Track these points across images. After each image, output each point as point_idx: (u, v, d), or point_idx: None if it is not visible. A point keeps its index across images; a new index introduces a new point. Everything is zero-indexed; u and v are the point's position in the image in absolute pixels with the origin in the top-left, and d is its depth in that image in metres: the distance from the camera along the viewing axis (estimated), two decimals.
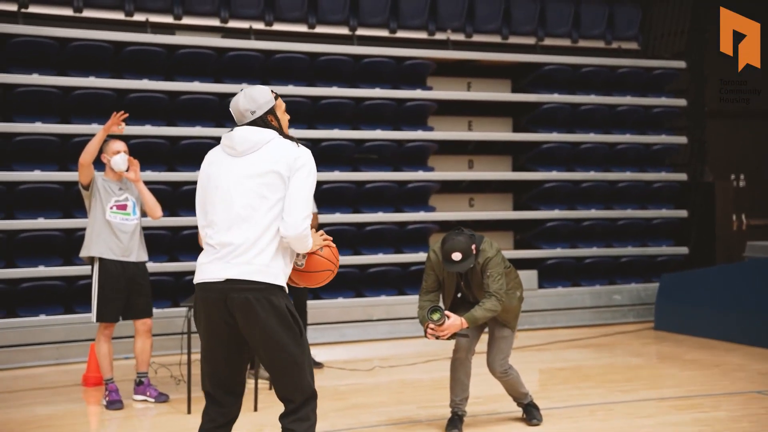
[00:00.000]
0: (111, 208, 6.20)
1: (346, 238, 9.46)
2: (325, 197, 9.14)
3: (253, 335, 3.59)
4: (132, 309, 6.32)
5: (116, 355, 7.31)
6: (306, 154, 3.67)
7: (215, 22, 9.55)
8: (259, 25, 9.65)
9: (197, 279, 3.67)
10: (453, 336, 5.23)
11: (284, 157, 3.62)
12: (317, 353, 7.95)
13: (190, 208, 8.42)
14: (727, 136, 12.79)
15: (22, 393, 6.91)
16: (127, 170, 6.29)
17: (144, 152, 8.00)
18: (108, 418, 6.16)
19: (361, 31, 10.14)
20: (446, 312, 5.17)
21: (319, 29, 9.95)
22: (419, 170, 9.94)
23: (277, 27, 9.75)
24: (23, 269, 8.05)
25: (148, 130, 8.63)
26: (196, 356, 6.90)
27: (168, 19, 9.34)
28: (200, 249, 7.09)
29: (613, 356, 8.41)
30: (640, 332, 9.72)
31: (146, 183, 6.60)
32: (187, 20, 9.42)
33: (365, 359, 8.18)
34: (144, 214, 6.42)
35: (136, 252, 6.29)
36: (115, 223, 6.19)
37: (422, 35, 10.45)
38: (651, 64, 11.35)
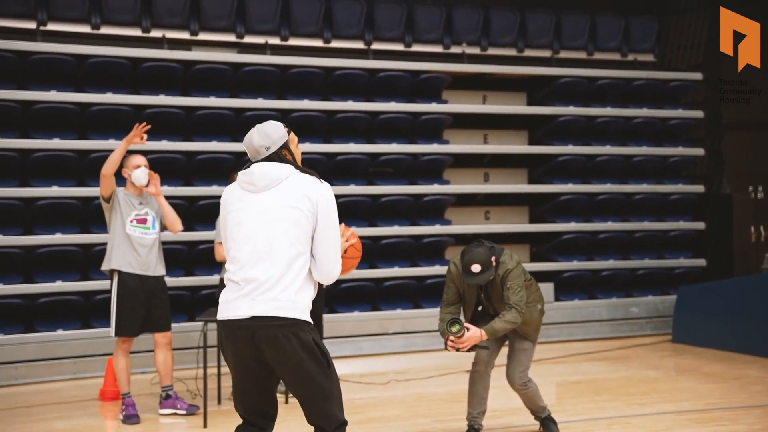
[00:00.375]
0: (131, 221, 6.25)
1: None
2: (341, 211, 8.96)
3: (282, 369, 3.61)
4: (151, 322, 6.36)
5: (133, 369, 7.34)
6: (327, 190, 3.68)
7: (231, 38, 9.62)
8: (274, 40, 9.72)
9: (222, 316, 3.66)
10: (473, 348, 5.22)
11: (306, 192, 3.62)
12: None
13: (206, 223, 8.47)
14: (745, 148, 12.72)
15: (40, 407, 6.95)
16: (147, 184, 6.34)
17: (161, 167, 8.03)
18: None
19: (376, 45, 10.19)
20: (466, 324, 5.17)
21: (335, 44, 10.00)
22: (435, 183, 9.95)
23: (293, 42, 9.81)
24: (41, 284, 8.11)
25: (165, 145, 8.70)
26: (212, 370, 6.96)
27: (184, 35, 9.42)
28: (216, 263, 7.18)
29: (630, 369, 8.36)
30: (657, 345, 9.66)
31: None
32: (203, 36, 9.50)
33: (381, 373, 8.17)
34: (164, 228, 6.46)
35: (154, 266, 6.33)
36: (135, 237, 6.24)
37: (437, 49, 10.48)
38: (667, 76, 11.32)
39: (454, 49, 10.49)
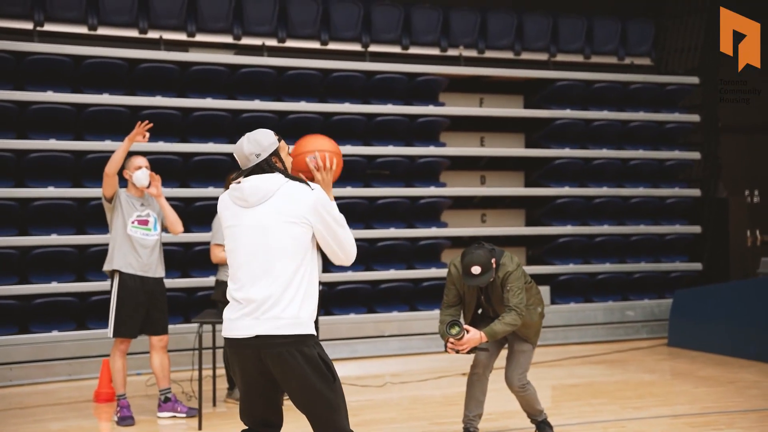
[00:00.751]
0: (132, 222, 6.25)
1: (358, 254, 9.40)
2: None
3: (288, 385, 3.62)
4: (149, 324, 6.35)
5: (128, 371, 7.31)
6: (318, 192, 3.65)
7: (228, 39, 9.61)
8: (271, 42, 9.71)
9: (226, 334, 3.66)
10: (472, 350, 5.22)
11: (298, 202, 3.60)
12: None
13: (202, 224, 8.45)
14: (741, 152, 12.74)
15: (34, 409, 6.93)
16: (148, 186, 6.33)
17: (157, 168, 7.97)
18: None
19: (373, 48, 10.18)
20: (465, 326, 5.17)
21: (332, 45, 10.00)
22: (431, 186, 9.95)
23: (290, 43, 9.80)
24: (36, 285, 8.09)
25: (161, 146, 8.69)
26: (208, 372, 6.95)
27: (181, 36, 9.41)
28: (212, 265, 7.16)
29: (626, 373, 8.36)
30: (653, 348, 9.66)
31: None
32: (200, 37, 9.49)
33: (377, 375, 8.17)
34: (165, 229, 6.46)
35: (155, 267, 6.33)
36: (136, 238, 6.24)
37: (434, 51, 10.48)
38: (664, 80, 11.33)
39: (451, 52, 10.49)
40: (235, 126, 8.98)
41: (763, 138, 13.01)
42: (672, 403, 6.94)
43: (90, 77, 8.71)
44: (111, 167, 6.17)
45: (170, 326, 7.54)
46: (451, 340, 5.14)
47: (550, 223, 10.51)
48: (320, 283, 7.73)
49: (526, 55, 10.86)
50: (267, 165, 3.68)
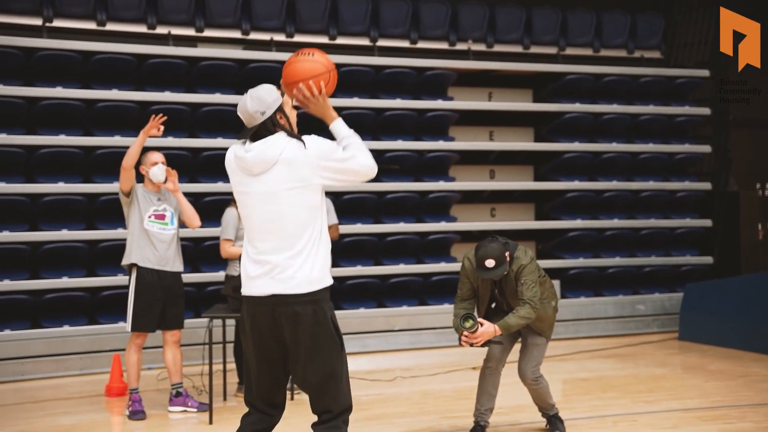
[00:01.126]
0: (149, 217, 6.28)
1: (367, 249, 9.47)
2: (347, 208, 9.15)
3: (297, 346, 3.64)
4: (165, 319, 6.36)
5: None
6: (312, 140, 3.67)
7: (236, 34, 9.61)
8: (280, 37, 9.70)
9: (245, 292, 3.73)
10: (486, 343, 5.21)
11: (302, 165, 3.63)
12: None
13: (212, 219, 8.45)
14: (752, 145, 12.67)
15: (46, 403, 6.96)
16: (165, 181, 6.35)
17: (166, 164, 8.05)
18: (131, 428, 6.18)
19: (381, 42, 10.17)
20: (479, 319, 5.16)
21: (340, 40, 9.98)
22: (440, 180, 9.93)
23: (298, 38, 9.79)
24: (47, 280, 8.12)
25: (170, 141, 8.69)
26: (218, 366, 6.96)
27: (190, 32, 9.41)
28: (222, 260, 7.16)
29: (636, 367, 8.33)
30: (664, 342, 9.64)
31: None
32: (208, 32, 9.49)
33: (387, 369, 8.16)
34: (182, 224, 6.47)
35: (172, 261, 6.35)
36: (153, 232, 6.26)
37: (443, 45, 10.46)
38: (674, 73, 11.28)
39: (460, 46, 10.46)
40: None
41: None
42: (683, 397, 6.92)
43: (99, 73, 8.73)
44: (127, 161, 6.20)
45: None
46: (465, 333, 5.13)
47: (559, 217, 10.48)
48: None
49: (535, 49, 10.83)
50: (272, 123, 3.70)
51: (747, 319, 8.90)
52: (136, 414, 6.25)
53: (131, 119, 8.70)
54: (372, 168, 3.72)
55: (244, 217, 3.78)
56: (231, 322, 7.01)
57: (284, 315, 3.61)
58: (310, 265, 3.63)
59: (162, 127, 6.39)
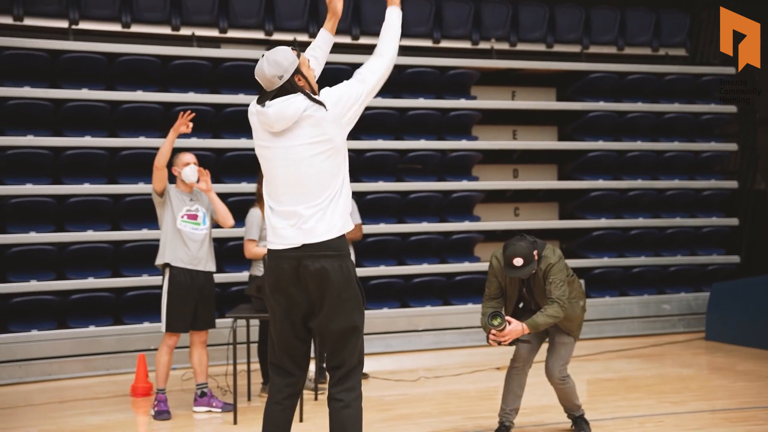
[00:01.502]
0: (182, 217, 6.33)
1: (390, 249, 9.46)
2: (369, 208, 9.15)
3: (323, 300, 3.71)
4: (196, 319, 6.39)
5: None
6: (330, 95, 3.74)
7: (260, 35, 9.64)
8: (303, 37, 9.71)
9: (271, 245, 3.79)
10: (514, 342, 5.19)
11: (323, 122, 3.69)
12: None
13: (236, 220, 8.47)
14: None
15: (73, 402, 7.02)
16: (197, 181, 6.39)
17: None
18: (156, 428, 6.22)
19: (404, 42, 9.99)
20: (507, 318, 5.14)
21: (363, 40, 9.98)
22: (463, 180, 9.91)
23: None
24: (73, 281, 8.18)
25: (194, 142, 8.73)
26: (242, 367, 6.98)
27: (213, 33, 9.45)
28: (245, 260, 7.19)
29: (662, 367, 8.27)
30: (690, 342, 9.55)
31: None
32: (232, 33, 9.52)
33: (410, 370, 8.15)
34: (215, 224, 6.51)
35: (204, 261, 6.39)
36: (185, 232, 6.31)
37: (466, 45, 10.42)
38: (699, 71, 11.17)
39: (483, 45, 10.42)
40: None
41: None
42: (710, 398, 6.85)
43: (123, 74, 8.79)
44: (159, 160, 6.25)
45: None
46: (493, 331, 5.11)
47: (583, 216, 10.42)
48: None
49: (558, 48, 10.76)
50: (290, 86, 3.75)
51: None
52: (162, 414, 6.28)
53: (156, 120, 8.75)
54: (393, 56, 3.87)
55: (266, 174, 3.84)
56: (255, 322, 7.03)
57: (310, 270, 3.68)
58: (331, 213, 3.71)
59: (191, 125, 6.44)
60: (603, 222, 10.38)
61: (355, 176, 9.26)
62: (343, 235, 3.78)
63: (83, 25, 8.90)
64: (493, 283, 5.40)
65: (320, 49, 4.18)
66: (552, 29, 10.70)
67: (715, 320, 9.55)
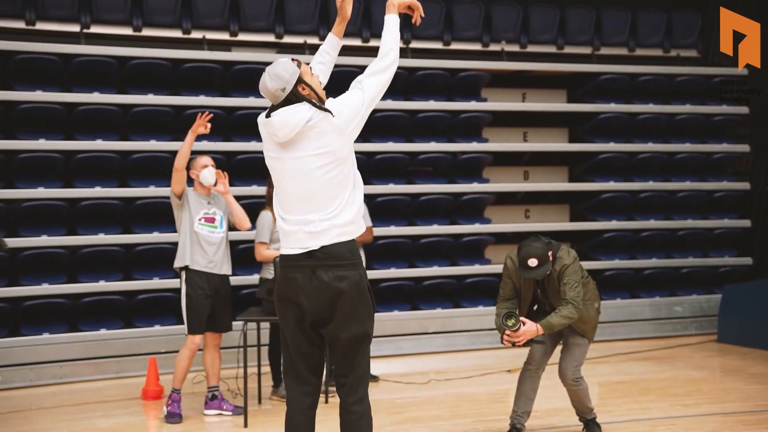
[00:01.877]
0: (199, 220, 6.37)
1: (400, 251, 9.45)
2: (380, 210, 9.15)
3: (335, 308, 3.72)
4: (213, 322, 6.41)
5: (170, 369, 7.41)
6: (336, 104, 3.75)
7: (270, 38, 9.65)
8: (313, 40, 9.73)
9: (284, 250, 3.81)
10: (528, 343, 5.18)
11: (328, 134, 3.70)
12: (373, 366, 7.87)
13: None
14: None
15: (84, 406, 7.04)
16: (215, 184, 6.41)
17: None
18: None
19: (415, 44, 10.15)
20: (522, 318, 5.13)
21: (373, 42, 9.99)
22: (474, 182, 9.89)
23: None
24: (85, 284, 8.21)
25: (205, 145, 8.75)
26: (252, 370, 6.99)
27: (224, 36, 9.48)
28: (256, 263, 7.19)
29: (674, 369, 8.23)
30: (702, 345, 9.51)
31: None
32: (242, 36, 9.54)
33: (421, 372, 8.14)
34: (231, 227, 6.52)
35: (221, 264, 6.42)
36: (203, 235, 6.34)
37: (476, 47, 10.41)
38: (711, 72, 11.12)
39: (493, 47, 10.41)
40: None
41: None
42: (723, 400, 6.82)
43: (135, 78, 8.82)
44: (179, 161, 6.28)
45: None
46: (508, 332, 5.10)
47: (594, 218, 10.39)
48: None
49: (568, 49, 10.74)
50: (294, 96, 3.77)
51: None
52: (173, 417, 6.29)
53: (167, 123, 8.78)
54: (390, 70, 3.87)
55: (276, 185, 3.86)
56: (265, 325, 7.04)
57: (324, 280, 3.69)
58: (343, 219, 3.73)
59: (209, 125, 6.45)
60: (614, 224, 10.34)
61: (365, 178, 9.19)
62: (355, 242, 3.79)
63: (95, 29, 8.94)
64: (508, 284, 5.39)
65: (328, 54, 4.19)
66: (562, 31, 10.68)
67: (728, 322, 9.50)
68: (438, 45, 10.25)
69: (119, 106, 8.66)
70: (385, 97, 9.56)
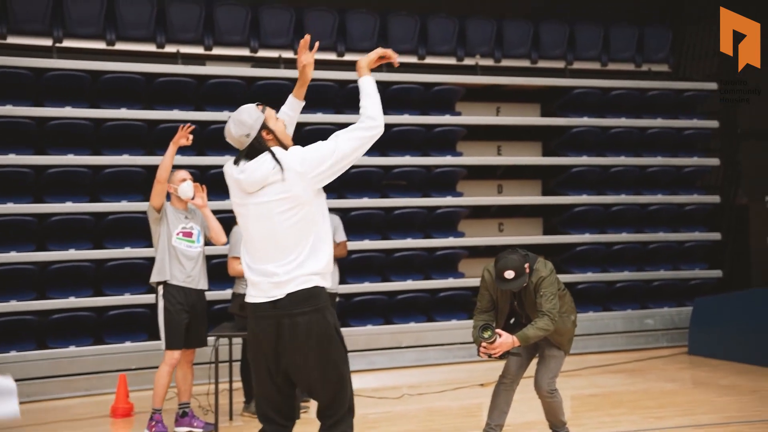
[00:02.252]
0: (177, 234, 6.33)
1: (374, 265, 9.46)
2: (354, 223, 9.15)
3: (305, 356, 3.68)
4: (188, 338, 6.35)
5: (145, 385, 7.36)
6: (300, 159, 3.75)
7: (245, 52, 9.65)
8: (288, 54, 9.74)
9: (248, 298, 3.81)
10: (504, 355, 5.19)
11: (293, 183, 3.71)
12: None
13: None
14: (761, 157, 12.58)
15: (53, 424, 6.95)
16: (193, 197, 6.39)
17: None
18: None
19: None
20: (498, 330, 5.15)
21: (348, 57, 10.01)
22: (448, 196, 9.93)
23: None
24: (54, 300, 8.13)
25: (178, 159, 8.63)
26: (224, 386, 6.95)
27: (198, 50, 9.46)
28: (228, 278, 7.16)
29: (646, 382, 8.28)
30: (673, 357, 9.57)
31: None
32: (217, 50, 9.54)
33: (394, 387, 8.14)
34: (207, 242, 6.49)
35: (198, 279, 6.39)
36: (181, 249, 6.31)
37: (451, 61, 10.47)
38: (682, 86, 11.25)
39: (468, 61, 10.47)
40: None
41: None
42: (694, 412, 6.87)
43: (108, 92, 8.78)
44: (161, 173, 6.23)
45: None
46: (484, 344, 5.12)
47: (567, 231, 10.46)
48: (337, 294, 7.73)
49: (542, 64, 10.83)
50: (258, 143, 3.80)
51: (758, 333, 8.84)
52: None
53: (140, 138, 8.75)
54: (376, 124, 3.85)
55: (243, 230, 3.88)
56: (238, 341, 7.01)
57: (288, 328, 3.67)
58: (308, 266, 3.70)
59: (191, 137, 6.41)
60: (587, 237, 10.41)
61: (339, 193, 9.27)
62: (322, 288, 3.76)
63: (67, 43, 8.90)
64: (485, 296, 5.42)
65: (287, 116, 4.19)
66: (536, 45, 10.77)
67: (698, 335, 9.58)
68: (413, 59, 10.30)
69: (91, 121, 8.61)
70: (358, 111, 9.61)
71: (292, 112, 4.24)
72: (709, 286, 10.75)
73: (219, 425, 6.16)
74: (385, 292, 9.37)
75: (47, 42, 8.81)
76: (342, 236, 7.43)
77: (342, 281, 8.57)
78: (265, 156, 3.76)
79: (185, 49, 9.37)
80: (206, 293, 8.53)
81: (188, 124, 6.45)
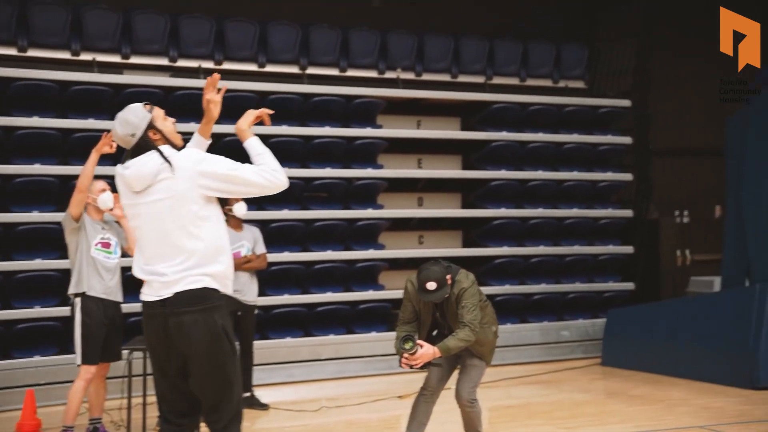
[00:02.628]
0: (96, 245, 6.18)
1: (294, 277, 9.42)
2: (274, 235, 9.10)
3: (192, 357, 3.68)
4: (104, 351, 6.19)
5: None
6: (192, 152, 3.78)
7: (164, 61, 9.52)
8: (208, 64, 9.65)
9: (142, 296, 3.81)
10: (426, 365, 5.21)
11: (182, 180, 3.71)
12: (263, 394, 7.86)
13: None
14: (671, 173, 13.01)
15: None
16: (112, 208, 6.25)
17: None
18: None
19: (311, 70, 10.19)
20: (419, 341, 5.17)
21: (269, 68, 9.98)
22: (369, 208, 9.96)
23: (227, 66, 9.74)
24: None
25: (97, 170, 8.52)
26: (137, 400, 6.80)
27: (116, 59, 9.30)
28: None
29: (560, 393, 8.44)
30: (587, 368, 9.78)
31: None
32: (135, 59, 9.39)
33: (313, 399, 8.10)
34: (123, 253, 6.36)
35: (115, 291, 6.27)
36: (99, 260, 6.17)
37: (372, 74, 10.53)
38: (597, 103, 11.55)
39: (389, 74, 10.55)
40: None
41: (692, 160, 13.32)
42: (605, 422, 7.02)
43: (20, 100, 8.54)
44: (82, 182, 6.05)
45: None
46: (405, 355, 5.14)
47: (486, 244, 10.60)
48: (256, 307, 7.67)
49: (462, 78, 10.98)
50: (144, 142, 3.80)
51: (666, 344, 9.10)
52: None
53: (54, 146, 8.53)
54: (275, 181, 3.81)
55: (136, 231, 3.87)
56: None
57: (173, 327, 3.67)
58: (200, 267, 3.70)
59: (114, 144, 6.26)
60: (505, 249, 10.58)
61: (259, 204, 9.21)
62: (214, 289, 3.74)
63: None
64: (408, 307, 5.44)
65: None
66: (457, 60, 10.92)
67: (611, 346, 9.81)
68: (334, 71, 10.32)
69: (2, 129, 8.35)
70: (280, 123, 9.64)
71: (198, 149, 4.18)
72: (621, 299, 11.03)
73: None
74: (305, 304, 9.33)
75: None
76: (262, 248, 7.39)
77: (261, 293, 8.49)
78: (152, 154, 3.75)
79: (102, 57, 9.20)
80: (122, 305, 8.43)
81: (109, 132, 6.31)
